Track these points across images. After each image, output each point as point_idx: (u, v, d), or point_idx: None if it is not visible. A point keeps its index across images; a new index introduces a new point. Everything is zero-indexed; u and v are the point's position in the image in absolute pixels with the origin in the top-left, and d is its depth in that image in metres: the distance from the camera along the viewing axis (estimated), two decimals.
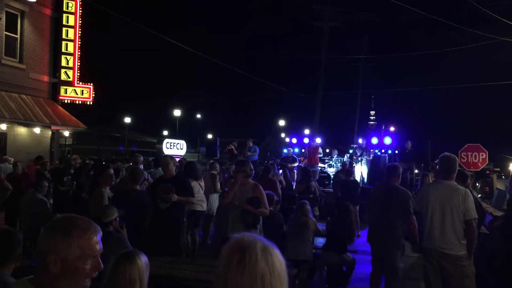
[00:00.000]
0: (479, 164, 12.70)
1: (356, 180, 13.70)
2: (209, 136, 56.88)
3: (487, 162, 13.24)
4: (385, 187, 6.22)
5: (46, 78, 18.61)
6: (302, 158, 18.04)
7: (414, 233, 5.83)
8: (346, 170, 13.34)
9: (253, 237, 1.51)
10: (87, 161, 11.57)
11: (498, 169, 20.05)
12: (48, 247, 1.76)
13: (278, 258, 1.49)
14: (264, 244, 1.49)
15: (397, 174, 6.17)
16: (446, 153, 5.35)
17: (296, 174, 17.19)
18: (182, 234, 6.47)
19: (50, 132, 18.76)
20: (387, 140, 18.37)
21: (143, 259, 2.86)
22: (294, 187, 12.40)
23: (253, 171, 5.92)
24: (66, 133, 22.52)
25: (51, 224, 1.82)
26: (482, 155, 12.59)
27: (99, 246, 1.83)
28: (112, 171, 6.55)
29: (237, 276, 1.43)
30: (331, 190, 14.02)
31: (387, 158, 16.95)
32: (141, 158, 9.99)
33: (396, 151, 17.69)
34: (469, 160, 12.38)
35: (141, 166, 9.76)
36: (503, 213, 8.06)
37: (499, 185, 17.38)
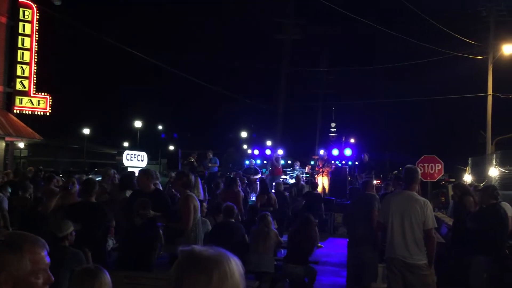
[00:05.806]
0: (435, 175, 13.06)
1: (320, 194, 13.92)
2: (171, 147, 56.30)
3: (443, 173, 13.62)
4: (360, 196, 7.19)
5: (0, 88, 18.01)
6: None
7: (374, 228, 6.25)
8: (312, 183, 13.55)
9: (206, 248, 1.46)
10: (40, 167, 11.19)
11: (454, 180, 20.65)
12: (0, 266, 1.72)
13: (236, 261, 1.45)
14: (224, 252, 1.45)
15: (370, 186, 7.32)
16: (408, 165, 5.92)
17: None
18: (154, 250, 6.31)
19: (4, 144, 18.10)
20: (348, 152, 18.72)
21: (107, 276, 2.76)
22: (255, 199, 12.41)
23: (191, 181, 6.00)
24: (21, 145, 21.84)
25: (0, 242, 1.80)
26: (438, 166, 12.94)
27: (47, 259, 1.83)
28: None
29: None
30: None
31: (347, 169, 17.21)
32: (112, 171, 9.56)
33: (356, 163, 18.02)
34: (426, 171, 12.68)
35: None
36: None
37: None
